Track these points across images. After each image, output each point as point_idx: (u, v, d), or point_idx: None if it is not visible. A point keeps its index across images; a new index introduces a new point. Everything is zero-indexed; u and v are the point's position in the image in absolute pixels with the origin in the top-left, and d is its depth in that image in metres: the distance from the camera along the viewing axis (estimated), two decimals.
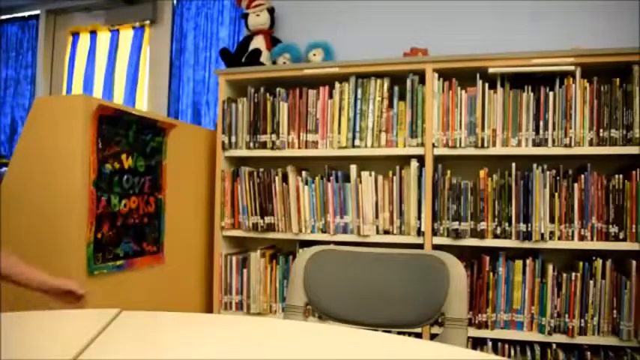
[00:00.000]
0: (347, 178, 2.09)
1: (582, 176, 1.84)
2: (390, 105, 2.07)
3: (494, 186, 1.91)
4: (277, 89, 2.21)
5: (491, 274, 1.91)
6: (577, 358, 1.86)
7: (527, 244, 1.88)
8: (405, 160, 2.02)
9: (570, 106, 1.86)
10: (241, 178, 2.21)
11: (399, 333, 1.25)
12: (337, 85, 2.12)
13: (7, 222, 1.57)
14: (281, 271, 2.19)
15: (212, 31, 2.96)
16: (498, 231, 1.90)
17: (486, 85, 1.94)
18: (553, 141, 1.87)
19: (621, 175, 1.81)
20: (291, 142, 2.15)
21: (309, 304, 1.24)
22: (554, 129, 1.87)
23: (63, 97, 2.66)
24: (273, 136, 2.17)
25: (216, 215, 2.23)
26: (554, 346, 1.86)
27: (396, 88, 2.08)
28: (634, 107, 1.80)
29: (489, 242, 1.91)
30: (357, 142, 2.06)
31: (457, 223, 1.93)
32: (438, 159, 1.98)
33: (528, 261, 1.88)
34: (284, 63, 2.35)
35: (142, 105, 3.12)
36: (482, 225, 1.91)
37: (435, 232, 1.95)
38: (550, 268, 1.86)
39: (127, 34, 3.20)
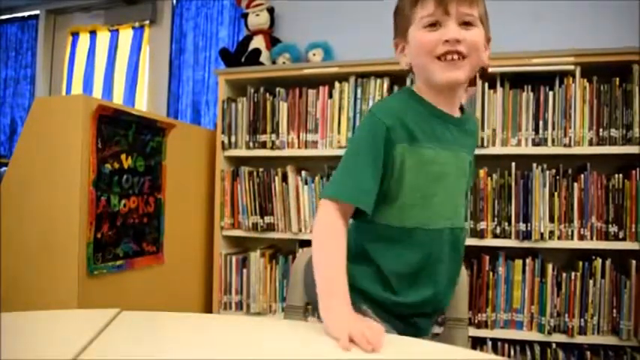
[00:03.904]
0: None
1: (582, 176, 1.84)
2: None
3: (494, 186, 1.91)
4: (277, 89, 2.21)
5: (491, 273, 1.91)
6: (577, 357, 1.86)
7: (526, 244, 1.88)
8: None
9: (570, 105, 1.86)
10: (241, 177, 2.21)
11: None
12: (337, 84, 2.12)
13: (7, 222, 1.57)
14: (281, 271, 2.19)
15: (212, 31, 2.96)
16: (498, 230, 1.90)
17: (486, 84, 1.94)
18: (553, 140, 1.87)
19: (621, 175, 1.82)
20: (290, 141, 2.15)
21: (309, 304, 1.24)
22: (553, 129, 1.87)
23: (63, 97, 2.66)
24: (273, 136, 2.17)
25: (216, 215, 2.23)
26: (553, 345, 1.86)
27: (396, 88, 2.08)
28: (634, 107, 1.80)
29: (489, 242, 1.91)
30: None
31: None
32: None
33: (528, 260, 1.88)
34: (284, 63, 2.35)
35: (142, 105, 3.12)
36: (482, 225, 1.91)
37: None
38: (550, 267, 1.86)
39: (126, 34, 3.20)
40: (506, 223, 1.89)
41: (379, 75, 2.08)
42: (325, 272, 0.83)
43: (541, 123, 1.89)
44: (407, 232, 0.93)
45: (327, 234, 0.85)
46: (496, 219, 1.90)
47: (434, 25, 0.87)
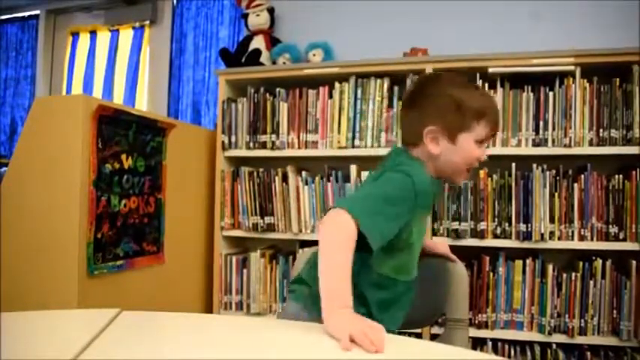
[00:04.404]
0: (347, 178, 2.09)
1: (582, 176, 1.84)
2: (390, 105, 2.07)
3: (494, 186, 1.91)
4: (277, 89, 2.21)
5: (491, 274, 1.91)
6: (577, 358, 1.86)
7: (527, 244, 1.88)
8: None
9: (570, 106, 1.86)
10: (241, 178, 2.21)
11: (399, 333, 1.25)
12: (337, 85, 2.12)
13: (7, 222, 1.57)
14: (281, 271, 2.19)
15: (212, 31, 2.96)
16: (498, 231, 1.90)
17: (486, 85, 1.94)
18: (553, 141, 1.87)
19: (621, 175, 1.81)
20: (291, 142, 2.15)
21: None
22: (554, 129, 1.87)
23: (63, 97, 2.66)
24: (273, 136, 2.17)
25: (216, 215, 2.23)
26: (554, 346, 1.86)
27: (396, 88, 2.08)
28: (634, 107, 1.80)
29: (489, 242, 1.91)
30: (357, 142, 2.06)
31: (457, 223, 1.93)
32: None
33: (528, 261, 1.88)
34: (284, 63, 2.35)
35: (142, 105, 3.12)
36: (483, 225, 1.91)
37: (435, 233, 1.95)
38: (550, 268, 1.86)
39: (127, 34, 3.20)
40: (507, 224, 1.89)
41: (379, 75, 2.08)
42: (332, 277, 0.84)
43: (541, 123, 1.89)
44: (396, 282, 1.05)
45: (341, 241, 0.85)
46: (496, 219, 1.90)
47: (481, 142, 1.02)
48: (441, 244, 1.29)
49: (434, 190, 1.04)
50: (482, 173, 1.93)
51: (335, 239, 0.86)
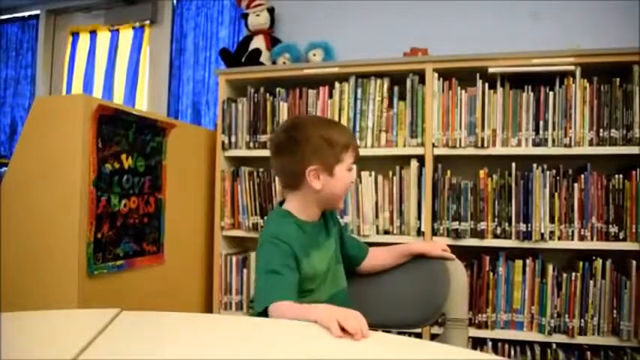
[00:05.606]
0: None
1: (582, 176, 1.84)
2: (390, 105, 2.07)
3: (494, 186, 1.91)
4: (277, 89, 2.21)
5: (491, 274, 1.91)
6: (577, 358, 1.86)
7: (527, 244, 1.87)
8: (405, 160, 2.02)
9: (570, 106, 1.86)
10: (241, 178, 2.21)
11: (399, 333, 1.25)
12: (337, 85, 2.12)
13: (7, 222, 1.57)
14: None
15: (212, 31, 2.96)
16: (498, 231, 1.90)
17: (486, 85, 1.94)
18: (553, 141, 1.87)
19: (621, 175, 1.81)
20: None
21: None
22: (554, 129, 1.87)
23: (63, 97, 2.66)
24: None
25: (216, 215, 2.23)
26: (554, 346, 1.86)
27: (396, 88, 2.08)
28: (634, 107, 1.80)
29: (489, 242, 1.91)
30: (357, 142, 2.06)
31: (457, 223, 1.93)
32: (438, 159, 1.98)
33: (528, 261, 1.88)
34: (284, 63, 2.35)
35: (142, 105, 3.12)
36: (483, 225, 1.91)
37: (434, 232, 1.95)
38: (550, 268, 1.86)
39: (127, 34, 3.20)
40: (507, 224, 1.89)
41: (379, 75, 2.08)
42: (297, 308, 0.93)
43: (541, 123, 1.89)
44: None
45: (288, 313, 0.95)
46: (496, 219, 1.90)
47: (350, 169, 1.18)
48: (431, 244, 1.34)
49: (307, 230, 1.15)
50: (482, 173, 1.93)
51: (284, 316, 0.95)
